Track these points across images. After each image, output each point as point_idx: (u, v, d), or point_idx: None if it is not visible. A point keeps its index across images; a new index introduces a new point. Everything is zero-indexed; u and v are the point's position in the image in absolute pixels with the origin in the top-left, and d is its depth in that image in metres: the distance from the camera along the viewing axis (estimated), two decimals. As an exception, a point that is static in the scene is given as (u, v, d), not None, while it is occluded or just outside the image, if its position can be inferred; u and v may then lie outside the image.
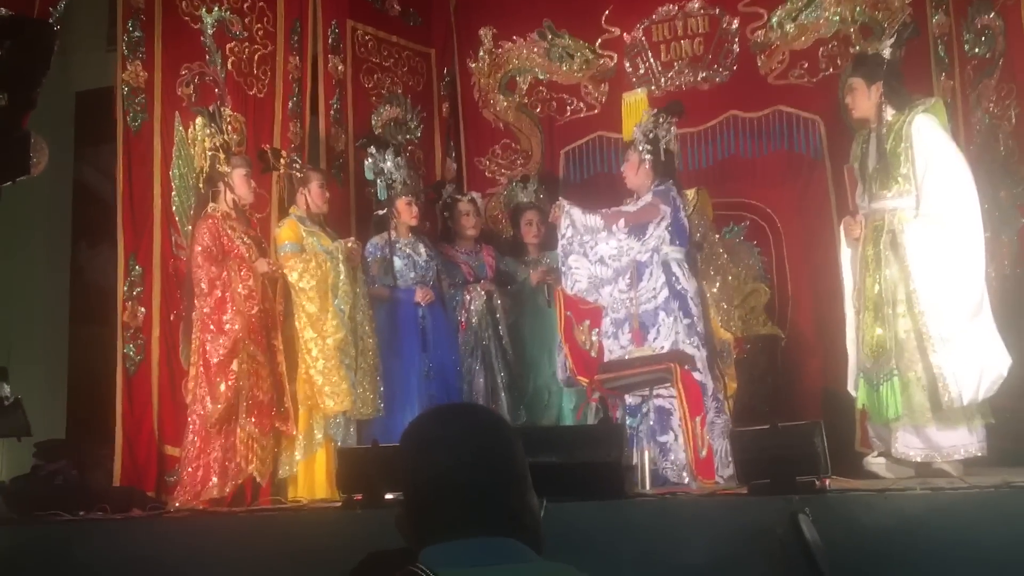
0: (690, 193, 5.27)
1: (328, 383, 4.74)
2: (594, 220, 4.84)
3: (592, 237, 4.83)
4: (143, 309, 4.91)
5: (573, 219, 4.86)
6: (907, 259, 4.13)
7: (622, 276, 4.82)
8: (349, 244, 5.01)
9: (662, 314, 4.75)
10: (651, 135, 4.95)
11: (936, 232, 4.13)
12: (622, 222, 4.82)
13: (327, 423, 4.81)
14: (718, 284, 5.35)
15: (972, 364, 4.01)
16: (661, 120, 4.98)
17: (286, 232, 5.00)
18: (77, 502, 4.29)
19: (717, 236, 5.58)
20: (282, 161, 5.18)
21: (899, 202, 4.24)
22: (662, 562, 3.04)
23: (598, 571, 1.33)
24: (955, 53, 5.45)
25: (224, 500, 4.49)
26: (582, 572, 1.32)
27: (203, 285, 4.66)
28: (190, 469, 4.51)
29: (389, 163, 5.42)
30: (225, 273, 4.66)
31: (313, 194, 5.11)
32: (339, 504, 3.94)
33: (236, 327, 4.59)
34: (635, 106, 5.41)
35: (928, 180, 4.15)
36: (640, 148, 4.96)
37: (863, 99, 4.38)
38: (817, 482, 3.22)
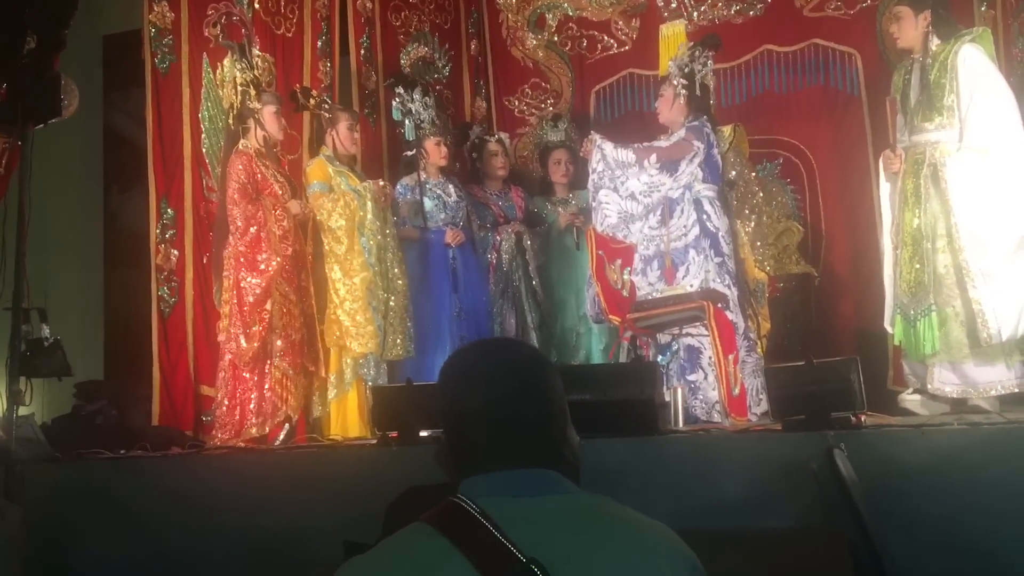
0: (727, 130, 5.19)
1: (354, 324, 4.75)
2: (626, 155, 4.79)
3: (623, 172, 4.79)
4: (176, 252, 4.94)
5: (604, 153, 4.81)
6: (948, 193, 4.05)
7: (652, 213, 4.78)
8: (380, 184, 4.98)
9: (692, 252, 4.72)
10: (687, 69, 4.86)
11: (979, 166, 4.04)
12: (654, 157, 4.77)
13: (357, 363, 4.83)
14: (753, 223, 5.29)
15: (1012, 300, 3.96)
16: (697, 54, 4.89)
17: (314, 172, 4.98)
18: (117, 441, 4.38)
19: (753, 174, 5.50)
20: (312, 101, 5.14)
21: (941, 135, 4.15)
22: (696, 498, 3.06)
23: (633, 506, 1.33)
24: (997, -19, 5.28)
25: (265, 439, 4.56)
26: (622, 505, 1.32)
27: (239, 223, 4.64)
28: (226, 409, 4.57)
29: (417, 103, 5.37)
30: (260, 212, 4.64)
31: (341, 135, 5.08)
32: (374, 442, 3.99)
33: (271, 267, 4.60)
34: (672, 39, 5.32)
35: (972, 112, 4.05)
36: (675, 83, 4.87)
37: (909, 28, 4.26)
38: (852, 418, 3.21)
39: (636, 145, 4.86)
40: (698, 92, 4.87)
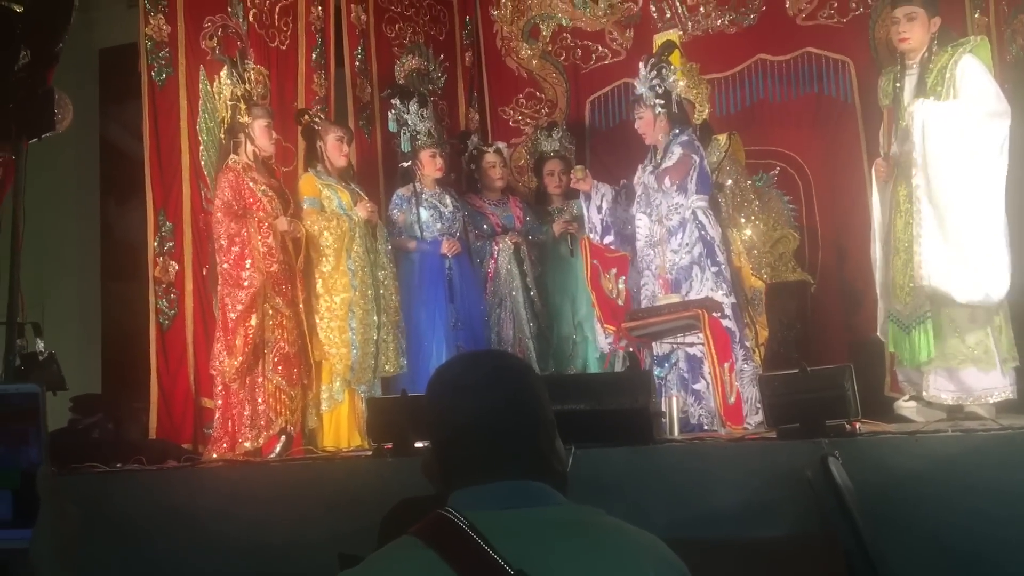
0: (722, 138, 5.21)
1: (329, 343, 4.77)
2: (652, 179, 4.85)
3: (656, 195, 4.86)
4: (175, 264, 4.93)
5: (644, 178, 4.93)
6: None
7: (674, 235, 4.81)
8: (368, 207, 4.97)
9: (696, 268, 4.74)
10: (660, 89, 4.87)
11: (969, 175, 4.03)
12: (667, 180, 4.81)
13: (345, 376, 4.82)
14: (749, 231, 5.30)
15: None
16: (665, 73, 4.89)
17: (303, 188, 4.99)
18: (114, 454, 4.36)
19: (749, 182, 5.51)
20: (305, 118, 5.16)
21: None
22: (691, 507, 3.06)
23: (627, 515, 1.33)
24: (990, -11, 5.30)
25: (259, 452, 4.54)
26: (609, 515, 1.32)
27: (222, 241, 4.62)
28: (221, 422, 4.56)
29: (413, 114, 5.38)
30: (244, 230, 4.59)
31: (329, 148, 5.07)
32: (370, 453, 3.98)
33: (254, 282, 4.56)
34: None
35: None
36: (652, 104, 4.88)
37: (922, 31, 4.16)
38: (847, 425, 3.21)
39: (659, 170, 4.90)
40: (675, 108, 4.90)
